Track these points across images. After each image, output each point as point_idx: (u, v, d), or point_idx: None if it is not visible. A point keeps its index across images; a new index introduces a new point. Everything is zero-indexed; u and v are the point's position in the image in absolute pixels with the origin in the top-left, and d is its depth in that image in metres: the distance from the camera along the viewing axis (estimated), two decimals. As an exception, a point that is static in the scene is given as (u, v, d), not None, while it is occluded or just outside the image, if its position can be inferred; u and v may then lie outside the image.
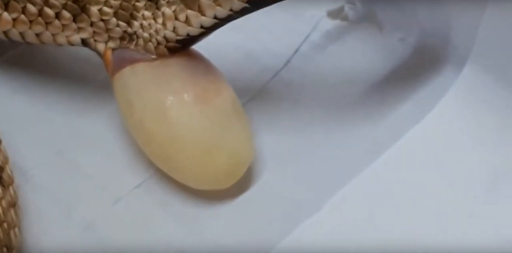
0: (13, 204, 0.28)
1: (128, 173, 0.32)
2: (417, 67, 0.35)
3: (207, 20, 0.30)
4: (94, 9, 0.31)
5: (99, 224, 0.31)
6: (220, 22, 0.30)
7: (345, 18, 0.37)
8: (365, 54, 0.36)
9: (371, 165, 0.32)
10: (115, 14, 0.31)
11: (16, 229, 0.28)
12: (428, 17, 0.35)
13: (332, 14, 0.37)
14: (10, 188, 0.28)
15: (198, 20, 0.30)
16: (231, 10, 0.29)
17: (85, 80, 0.35)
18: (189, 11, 0.30)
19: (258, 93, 0.35)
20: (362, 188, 0.31)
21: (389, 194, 0.31)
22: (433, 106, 0.33)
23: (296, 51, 0.36)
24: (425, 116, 0.33)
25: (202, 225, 0.31)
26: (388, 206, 0.31)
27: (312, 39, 0.36)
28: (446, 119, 0.33)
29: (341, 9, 0.37)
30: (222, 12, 0.29)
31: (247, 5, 0.29)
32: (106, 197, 0.32)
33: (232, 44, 0.36)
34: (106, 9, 0.31)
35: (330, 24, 0.37)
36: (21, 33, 0.32)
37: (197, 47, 0.31)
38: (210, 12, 0.29)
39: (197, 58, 0.32)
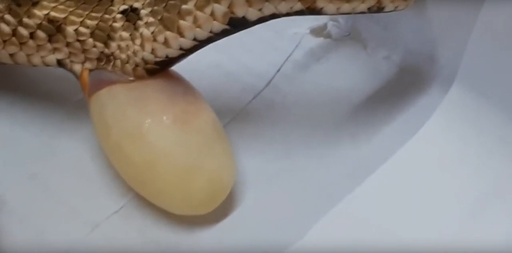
0: (-15, 233, 0.27)
1: (105, 198, 0.32)
2: (402, 86, 0.35)
3: (187, 42, 0.30)
4: (70, 29, 0.31)
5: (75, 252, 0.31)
6: (200, 44, 0.30)
7: (328, 36, 0.38)
8: (349, 73, 0.36)
9: (357, 189, 0.31)
10: (92, 35, 0.31)
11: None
12: (412, 34, 0.35)
13: (315, 32, 0.38)
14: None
15: (177, 41, 0.30)
16: (211, 31, 0.29)
17: (61, 100, 0.35)
18: (167, 33, 0.30)
19: (239, 114, 0.35)
20: (347, 212, 0.31)
21: (375, 219, 0.31)
22: (419, 127, 0.33)
23: (278, 70, 0.36)
24: (411, 138, 0.32)
25: (183, 252, 0.31)
26: (376, 231, 0.31)
27: (295, 57, 0.37)
28: (432, 140, 0.33)
29: (325, 26, 0.38)
30: (202, 33, 0.29)
31: (227, 27, 0.29)
32: (82, 224, 0.31)
33: (211, 63, 0.36)
34: (82, 29, 0.31)
35: (313, 42, 0.37)
36: (-6, 53, 0.32)
37: (175, 66, 0.31)
38: (189, 34, 0.29)
39: (176, 79, 0.32)
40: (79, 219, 0.31)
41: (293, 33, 0.37)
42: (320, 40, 0.37)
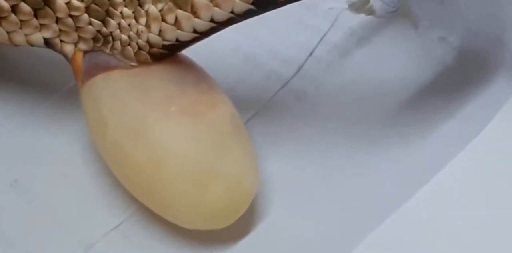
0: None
1: (102, 211, 0.32)
2: (462, 75, 0.35)
3: (202, 24, 0.30)
4: (60, 2, 0.31)
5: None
6: (218, 26, 0.30)
7: (371, 12, 0.38)
8: (396, 57, 0.36)
9: (407, 202, 0.31)
10: (87, 10, 0.31)
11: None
12: (475, 10, 0.35)
13: (355, 7, 0.38)
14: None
15: (191, 23, 0.30)
16: (232, 12, 0.29)
17: (47, 88, 0.35)
18: (179, 12, 0.29)
19: (263, 108, 0.35)
20: (395, 231, 0.31)
21: (430, 239, 0.30)
22: (483, 126, 0.32)
23: (310, 54, 0.36)
24: (473, 139, 0.32)
25: (195, 276, 0.31)
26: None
27: (330, 38, 0.37)
28: (500, 141, 0.32)
29: (366, 0, 0.38)
30: (221, 14, 0.29)
31: (252, 6, 0.29)
32: (74, 243, 0.31)
33: (229, 45, 0.36)
34: (75, 2, 0.31)
35: (352, 19, 0.37)
36: (-35, 31, 0.32)
37: (185, 50, 0.31)
38: (205, 14, 0.29)
39: (186, 65, 0.32)
40: (70, 238, 0.31)
41: (327, 9, 0.37)
42: (361, 17, 0.37)
